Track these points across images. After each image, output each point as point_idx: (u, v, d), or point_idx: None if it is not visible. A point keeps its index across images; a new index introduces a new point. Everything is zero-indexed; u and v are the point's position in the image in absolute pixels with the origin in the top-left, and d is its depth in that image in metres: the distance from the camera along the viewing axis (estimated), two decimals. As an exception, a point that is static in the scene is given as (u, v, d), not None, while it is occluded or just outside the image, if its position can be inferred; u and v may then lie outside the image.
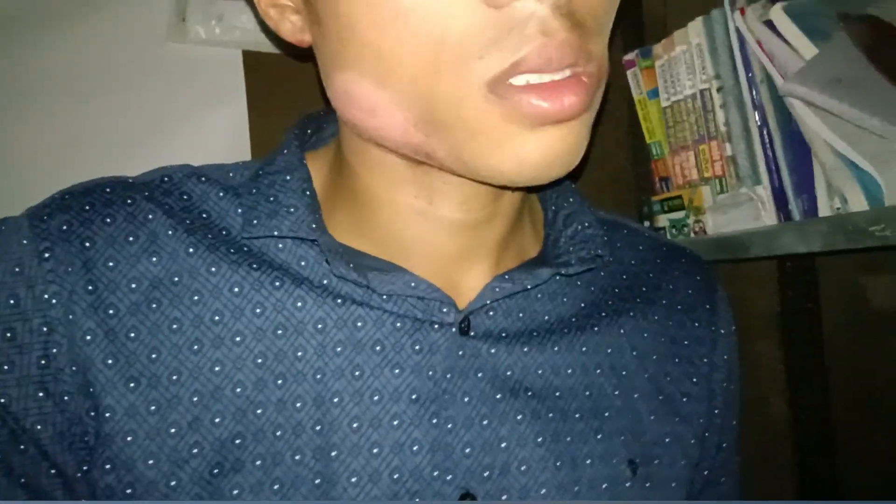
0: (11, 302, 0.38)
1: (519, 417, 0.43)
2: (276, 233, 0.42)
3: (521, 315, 0.46)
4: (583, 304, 0.48)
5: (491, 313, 0.44)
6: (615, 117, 0.87)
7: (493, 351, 0.43)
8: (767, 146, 0.67)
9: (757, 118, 0.68)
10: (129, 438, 0.38)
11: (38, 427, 0.38)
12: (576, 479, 0.43)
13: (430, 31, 0.33)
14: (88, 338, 0.39)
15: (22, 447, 0.38)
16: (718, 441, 0.53)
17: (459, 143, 0.36)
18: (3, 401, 0.37)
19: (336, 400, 0.40)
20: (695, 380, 0.51)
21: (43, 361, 0.38)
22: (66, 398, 0.38)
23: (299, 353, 0.41)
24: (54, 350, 0.38)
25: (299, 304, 0.42)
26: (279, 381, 0.40)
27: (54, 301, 0.39)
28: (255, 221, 0.42)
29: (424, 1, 0.33)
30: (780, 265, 0.86)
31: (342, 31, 0.36)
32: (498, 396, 0.43)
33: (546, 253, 0.49)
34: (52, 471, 0.38)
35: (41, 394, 0.38)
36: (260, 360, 0.40)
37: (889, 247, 0.55)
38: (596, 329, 0.47)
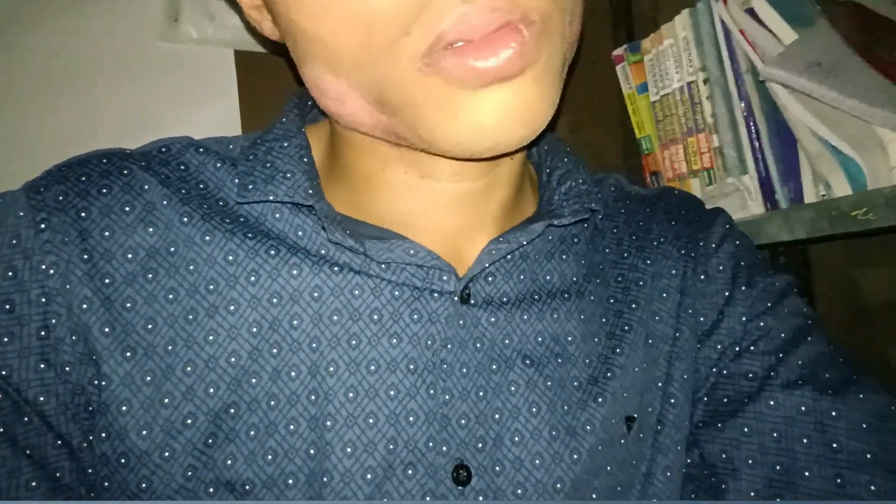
0: (10, 274, 0.39)
1: (512, 388, 0.43)
2: (271, 197, 0.42)
3: (521, 277, 0.46)
4: (583, 261, 0.49)
5: (490, 278, 0.45)
6: (606, 112, 0.88)
7: (492, 319, 0.44)
8: (753, 136, 0.69)
9: (743, 108, 0.69)
10: (123, 408, 0.39)
11: (41, 398, 0.38)
12: (573, 448, 0.43)
13: (357, 15, 0.33)
14: (85, 306, 0.39)
15: (26, 419, 0.38)
16: (736, 336, 0.49)
17: (414, 121, 0.36)
18: (4, 373, 0.38)
19: (332, 369, 0.41)
20: (689, 312, 0.49)
21: (43, 332, 0.39)
22: (67, 368, 0.39)
23: (295, 322, 0.41)
24: (53, 320, 0.39)
25: (295, 271, 0.42)
26: (274, 350, 0.41)
27: (52, 271, 0.39)
28: (250, 187, 0.43)
29: None
30: (773, 255, 0.86)
31: (291, 26, 0.37)
32: (494, 367, 0.43)
33: (541, 211, 0.49)
34: (58, 441, 0.39)
35: (42, 365, 0.39)
36: (255, 329, 0.41)
37: (872, 231, 0.56)
38: (592, 298, 0.48)
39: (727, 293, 0.49)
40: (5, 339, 0.38)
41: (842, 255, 0.83)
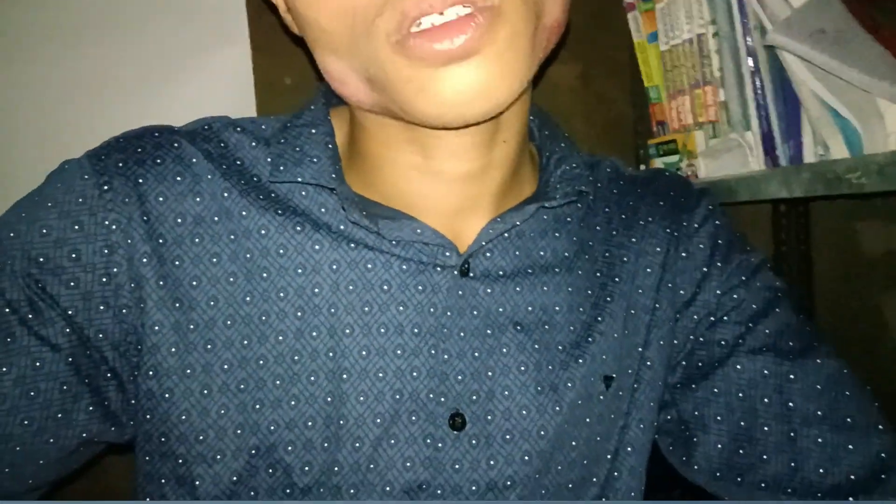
0: (76, 228, 0.45)
1: (504, 350, 0.49)
2: (299, 179, 0.48)
3: (517, 253, 0.51)
4: (574, 238, 0.54)
5: (488, 254, 0.50)
6: (616, 60, 0.89)
7: (488, 291, 0.49)
8: (759, 93, 0.70)
9: (750, 65, 0.71)
10: (172, 349, 0.45)
11: (100, 335, 0.45)
12: (556, 401, 0.49)
13: (343, 2, 0.39)
14: (145, 260, 0.45)
15: (88, 352, 0.45)
16: (713, 309, 0.54)
17: (392, 97, 0.41)
18: (70, 312, 0.44)
19: (348, 331, 0.47)
20: (669, 286, 0.54)
21: (104, 279, 0.45)
22: (124, 311, 0.45)
23: (316, 290, 0.47)
24: (115, 269, 0.45)
25: (317, 246, 0.48)
26: (298, 314, 0.47)
27: (114, 227, 0.45)
28: (281, 168, 0.48)
29: None
30: (775, 208, 0.89)
31: (299, 17, 0.44)
32: (489, 332, 0.49)
33: (537, 193, 0.54)
34: (109, 374, 0.46)
35: (102, 307, 0.45)
36: (282, 294, 0.47)
37: (866, 194, 0.58)
38: (580, 272, 0.53)
39: (705, 269, 0.55)
40: (72, 284, 0.44)
41: (840, 209, 0.86)
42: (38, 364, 0.43)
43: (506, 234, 0.51)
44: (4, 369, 0.42)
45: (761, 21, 0.68)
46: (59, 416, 0.44)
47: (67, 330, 0.44)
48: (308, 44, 0.46)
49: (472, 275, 0.49)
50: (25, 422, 0.43)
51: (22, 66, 0.72)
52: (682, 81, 0.80)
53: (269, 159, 0.49)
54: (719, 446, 0.51)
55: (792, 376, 0.50)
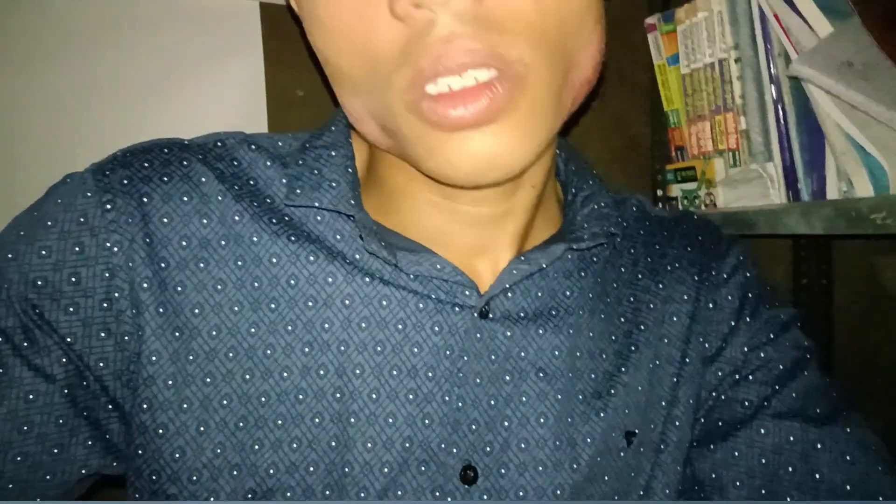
0: (77, 249, 0.43)
1: (524, 399, 0.47)
2: (317, 204, 0.46)
3: (539, 294, 0.49)
4: (599, 279, 0.52)
5: (510, 295, 0.48)
6: (635, 82, 0.88)
7: (508, 334, 0.47)
8: (781, 123, 0.69)
9: (773, 93, 0.69)
10: (169, 382, 0.43)
11: (101, 364, 0.43)
12: (573, 458, 0.47)
13: (362, 48, 0.38)
14: (145, 285, 0.43)
15: (85, 382, 0.43)
16: (737, 367, 0.52)
17: (405, 148, 0.40)
18: (69, 340, 0.42)
19: (357, 371, 0.45)
20: (700, 339, 0.52)
21: (105, 304, 0.43)
22: (126, 338, 0.43)
23: (326, 325, 0.45)
24: (116, 294, 0.43)
25: (330, 279, 0.46)
26: (306, 349, 0.45)
27: (116, 249, 0.43)
28: (298, 191, 0.46)
29: (353, 22, 0.37)
30: (796, 241, 0.86)
31: (319, 54, 0.42)
32: (507, 378, 0.47)
33: (563, 231, 0.52)
34: (110, 406, 0.44)
35: (103, 334, 0.43)
36: (290, 328, 0.45)
37: (889, 235, 0.56)
38: (603, 316, 0.51)
39: (732, 322, 0.53)
40: (70, 309, 0.42)
41: (863, 244, 0.83)
42: (31, 397, 0.41)
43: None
44: None
45: (785, 48, 0.66)
46: (56, 451, 0.42)
47: (64, 359, 0.42)
48: (328, 77, 0.44)
49: (491, 316, 0.47)
50: (19, 458, 0.40)
51: (30, 74, 0.72)
52: (703, 107, 0.78)
53: (284, 181, 0.47)
54: None
55: (819, 445, 0.47)
